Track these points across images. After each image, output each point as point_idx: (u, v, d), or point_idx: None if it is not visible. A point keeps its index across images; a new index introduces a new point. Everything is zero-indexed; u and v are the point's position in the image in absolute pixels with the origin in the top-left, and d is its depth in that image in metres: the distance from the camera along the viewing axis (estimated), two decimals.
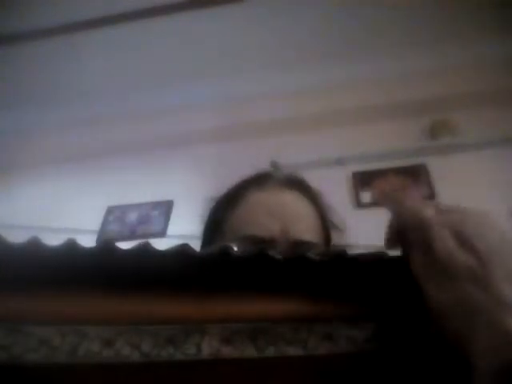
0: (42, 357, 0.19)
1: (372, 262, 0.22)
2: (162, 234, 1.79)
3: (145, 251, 0.21)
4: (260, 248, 0.21)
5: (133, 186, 1.95)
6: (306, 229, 0.52)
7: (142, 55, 1.94)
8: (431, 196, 1.68)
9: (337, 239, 0.58)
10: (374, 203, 1.72)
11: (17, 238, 0.21)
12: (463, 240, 0.23)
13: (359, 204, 1.72)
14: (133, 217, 1.87)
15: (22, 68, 1.94)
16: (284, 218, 0.51)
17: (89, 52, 1.90)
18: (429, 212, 0.25)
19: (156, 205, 1.88)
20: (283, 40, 1.89)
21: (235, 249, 0.22)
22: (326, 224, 0.57)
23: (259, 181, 0.58)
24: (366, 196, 1.74)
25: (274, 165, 1.80)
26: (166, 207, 1.87)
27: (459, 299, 0.22)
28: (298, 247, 0.48)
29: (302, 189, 0.57)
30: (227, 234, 0.53)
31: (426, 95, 1.86)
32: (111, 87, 2.04)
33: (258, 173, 0.61)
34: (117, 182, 1.97)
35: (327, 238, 0.57)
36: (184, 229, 1.75)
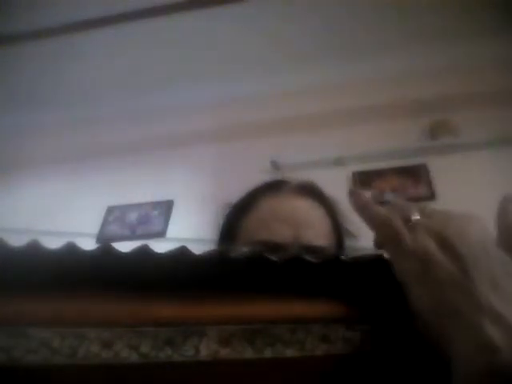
0: (41, 358, 0.20)
1: (368, 263, 0.22)
2: (161, 234, 1.79)
3: (143, 254, 0.21)
4: (257, 250, 0.22)
5: (133, 186, 1.95)
6: (317, 234, 0.53)
7: (142, 55, 1.94)
8: (431, 196, 1.68)
9: (350, 245, 0.59)
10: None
11: (17, 240, 0.22)
12: (445, 244, 0.23)
13: None
14: (133, 217, 1.87)
15: (22, 68, 1.94)
16: (296, 223, 0.52)
17: (89, 52, 1.91)
18: (413, 214, 0.25)
19: (156, 205, 1.89)
20: (283, 40, 1.89)
21: (233, 251, 0.22)
22: (339, 230, 0.58)
23: (272, 187, 0.59)
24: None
25: (274, 165, 1.80)
26: (166, 207, 1.87)
27: (439, 302, 0.22)
28: (309, 252, 0.48)
29: (315, 195, 0.58)
30: (241, 239, 0.55)
31: (426, 95, 1.86)
32: (111, 87, 2.04)
33: (272, 180, 0.62)
34: (117, 182, 1.97)
35: (340, 243, 0.58)
36: (184, 229, 1.76)
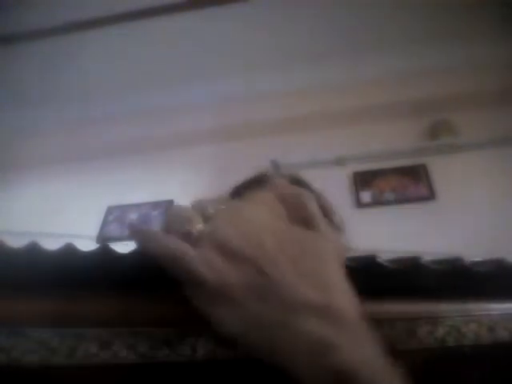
0: (41, 358, 0.20)
1: (363, 264, 0.22)
2: None
3: (142, 255, 0.21)
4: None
5: (133, 186, 1.95)
6: None
7: (142, 55, 1.94)
8: (431, 196, 1.68)
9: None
10: (374, 203, 1.73)
11: (16, 242, 0.22)
12: (231, 253, 0.20)
13: (359, 204, 1.72)
14: (133, 217, 1.87)
15: (22, 68, 1.94)
16: None
17: (89, 52, 1.91)
18: (196, 228, 0.21)
19: (156, 205, 1.89)
20: (283, 40, 1.89)
21: None
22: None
23: (259, 181, 0.60)
24: (366, 196, 1.74)
25: (274, 165, 1.80)
26: (166, 207, 1.87)
27: (248, 319, 0.19)
28: None
29: (300, 187, 0.58)
30: None
31: (426, 95, 1.86)
32: (111, 87, 2.04)
33: (258, 173, 0.63)
34: (117, 181, 1.97)
35: None
36: None
